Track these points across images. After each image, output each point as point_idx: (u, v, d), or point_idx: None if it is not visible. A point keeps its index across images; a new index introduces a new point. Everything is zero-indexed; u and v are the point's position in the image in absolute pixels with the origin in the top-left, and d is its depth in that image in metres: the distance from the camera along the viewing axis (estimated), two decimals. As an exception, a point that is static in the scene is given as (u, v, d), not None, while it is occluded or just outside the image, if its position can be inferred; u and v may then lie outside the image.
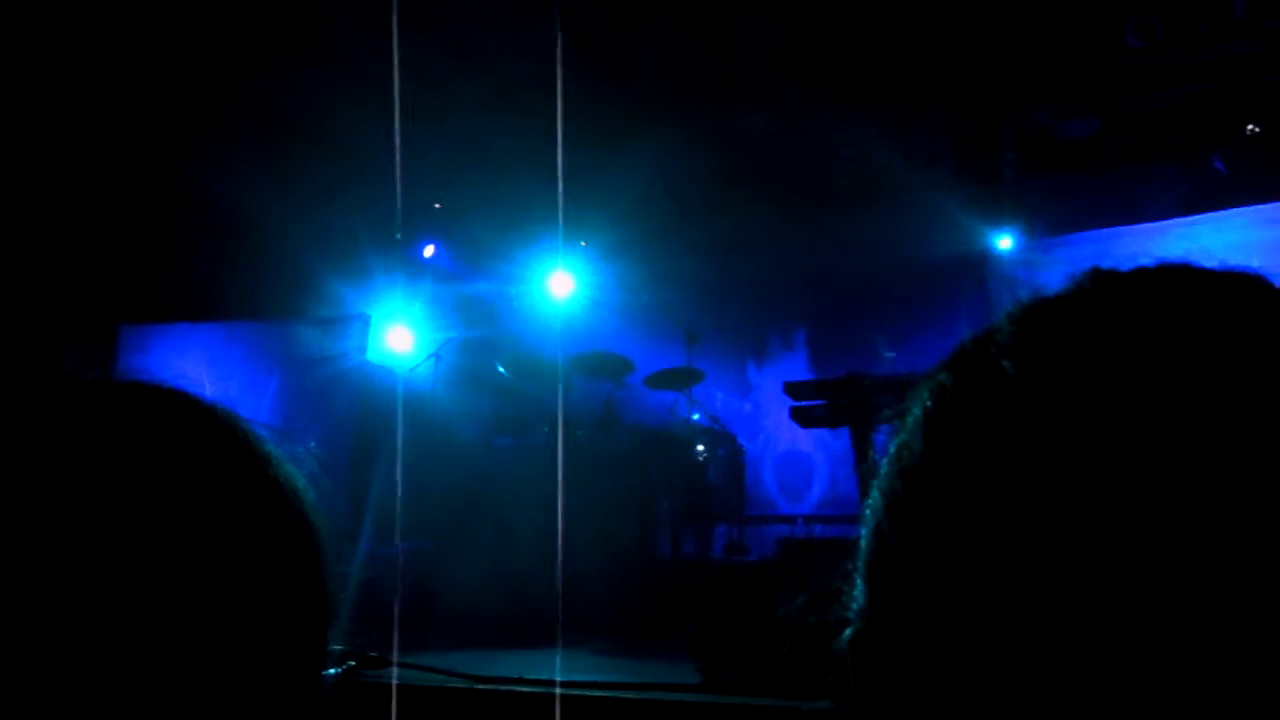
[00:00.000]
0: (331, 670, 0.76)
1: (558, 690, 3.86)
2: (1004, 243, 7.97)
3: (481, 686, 4.21)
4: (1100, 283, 0.58)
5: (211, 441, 0.72)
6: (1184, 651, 0.48)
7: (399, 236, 9.36)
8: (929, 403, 0.59)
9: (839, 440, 7.16)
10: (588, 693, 3.99)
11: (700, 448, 7.12)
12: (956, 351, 0.60)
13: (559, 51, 5.56)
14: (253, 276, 8.78)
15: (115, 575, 0.63)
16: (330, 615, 0.75)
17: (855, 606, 0.61)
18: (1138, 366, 0.51)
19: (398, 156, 8.40)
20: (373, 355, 8.83)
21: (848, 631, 0.61)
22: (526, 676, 4.26)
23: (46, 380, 0.72)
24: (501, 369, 7.52)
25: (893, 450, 0.60)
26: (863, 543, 0.61)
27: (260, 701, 0.69)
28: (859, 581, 0.61)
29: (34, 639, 0.61)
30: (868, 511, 0.61)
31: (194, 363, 7.51)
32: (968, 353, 0.59)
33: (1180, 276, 0.57)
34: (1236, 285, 0.56)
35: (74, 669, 0.62)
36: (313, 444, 0.79)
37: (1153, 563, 0.48)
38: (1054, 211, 7.89)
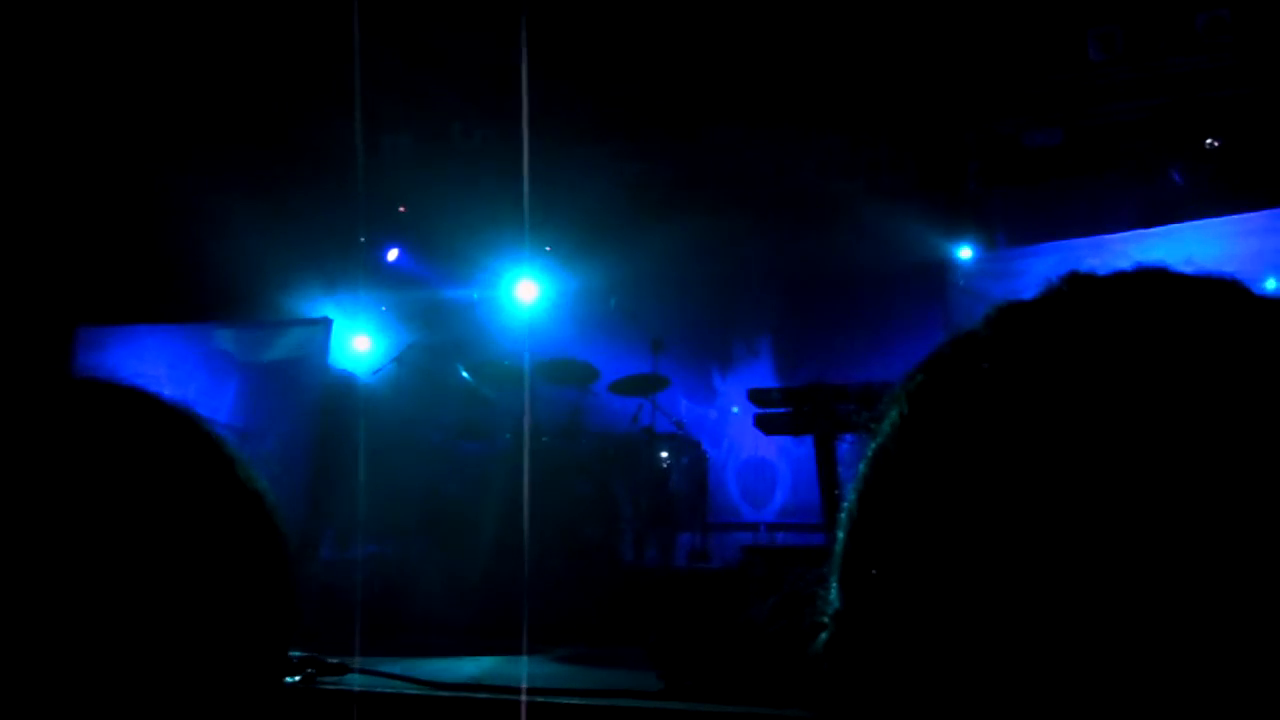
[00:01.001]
0: (291, 677, 0.75)
1: (522, 698, 3.85)
2: (964, 253, 8.03)
3: (443, 694, 4.19)
4: (1078, 286, 0.58)
5: (178, 441, 0.71)
6: (1160, 652, 0.48)
7: (362, 240, 9.31)
8: (906, 405, 0.58)
9: (802, 447, 7.19)
10: (550, 699, 3.98)
11: (664, 454, 7.13)
12: (934, 354, 0.60)
13: (524, 56, 5.56)
14: (213, 279, 8.70)
15: (77, 574, 0.63)
16: (293, 621, 0.75)
17: (829, 610, 0.61)
18: (1115, 368, 0.52)
19: (360, 159, 8.36)
20: (334, 359, 8.77)
21: (823, 636, 0.60)
22: (489, 683, 4.24)
23: (11, 379, 0.71)
24: (465, 374, 7.49)
25: (870, 453, 0.60)
26: (838, 545, 0.61)
27: (220, 705, 0.68)
28: (833, 584, 0.61)
29: (7, 643, 0.61)
30: (843, 514, 0.61)
31: (152, 365, 7.42)
32: (946, 355, 0.59)
33: (1157, 280, 0.57)
34: (1212, 289, 0.56)
35: (36, 667, 0.61)
36: (272, 448, 0.79)
37: (1123, 563, 0.49)
38: (1015, 222, 7.97)
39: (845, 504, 0.61)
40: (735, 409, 8.53)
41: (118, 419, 0.70)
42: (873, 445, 0.60)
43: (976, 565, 0.51)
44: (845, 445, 6.00)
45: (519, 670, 4.72)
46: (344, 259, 9.30)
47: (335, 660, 4.44)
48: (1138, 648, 0.48)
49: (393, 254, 9.25)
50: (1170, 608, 0.48)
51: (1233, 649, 0.48)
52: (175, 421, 0.72)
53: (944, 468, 0.54)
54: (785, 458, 8.31)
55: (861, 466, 0.60)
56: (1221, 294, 0.56)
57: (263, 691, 0.71)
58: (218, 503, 0.70)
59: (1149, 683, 0.48)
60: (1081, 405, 0.51)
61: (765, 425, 6.08)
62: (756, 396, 6.15)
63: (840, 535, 0.61)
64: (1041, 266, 7.39)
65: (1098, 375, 0.51)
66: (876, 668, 0.56)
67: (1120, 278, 0.57)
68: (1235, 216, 6.77)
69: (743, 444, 8.46)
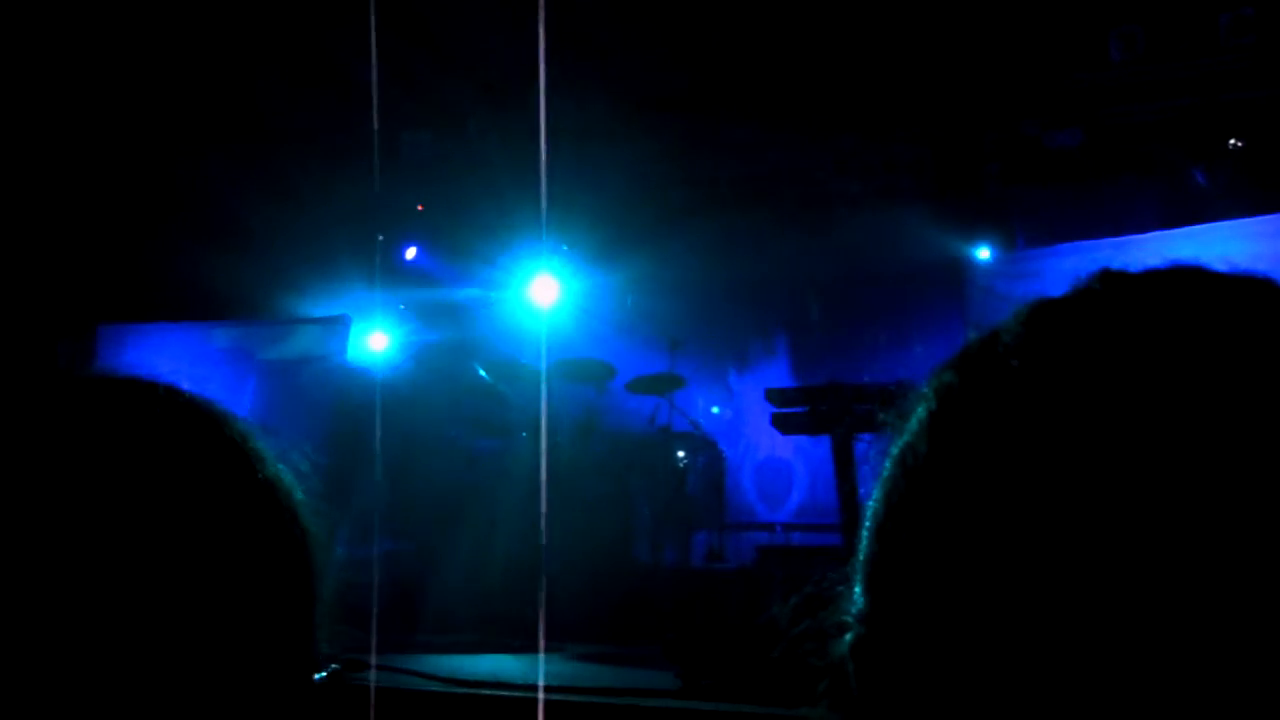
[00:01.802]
0: (319, 674, 0.75)
1: (540, 695, 3.85)
2: (983, 253, 8.00)
3: (461, 691, 4.20)
4: (1110, 283, 0.57)
5: (203, 437, 0.71)
6: (1188, 653, 0.48)
7: (380, 238, 9.33)
8: (934, 403, 0.58)
9: (819, 447, 7.17)
10: (568, 698, 3.98)
11: (681, 454, 7.12)
12: (961, 351, 0.59)
13: (542, 54, 5.56)
14: (232, 277, 8.73)
15: (106, 571, 0.63)
16: (320, 617, 0.75)
17: (854, 610, 0.60)
18: (1147, 367, 0.51)
19: (378, 158, 8.38)
20: (352, 357, 8.79)
21: (848, 636, 0.60)
22: (506, 681, 4.25)
23: (39, 375, 0.71)
24: (482, 373, 7.50)
25: (896, 451, 0.59)
26: (863, 545, 0.60)
27: (252, 703, 0.68)
28: (857, 585, 0.60)
29: (26, 636, 0.61)
30: (869, 513, 0.60)
31: (172, 362, 7.46)
32: (973, 352, 0.58)
33: (1191, 278, 0.56)
34: (1247, 288, 0.55)
35: (65, 663, 0.61)
36: (289, 444, 0.79)
37: (1161, 566, 0.48)
38: (1035, 223, 7.93)
39: (869, 504, 0.60)
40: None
41: (142, 413, 0.70)
42: (898, 443, 0.59)
43: (1006, 569, 0.51)
44: (863, 445, 5.98)
45: (536, 668, 4.73)
46: (362, 257, 9.32)
47: (353, 657, 4.45)
48: (1172, 657, 0.48)
49: (411, 252, 9.27)
50: (1207, 612, 0.47)
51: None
52: (200, 417, 0.72)
53: (974, 468, 0.53)
54: (802, 457, 8.29)
55: (886, 465, 0.59)
56: (1255, 292, 0.55)
57: (293, 687, 0.71)
58: (245, 499, 0.70)
59: (1182, 689, 0.48)
60: (1116, 405, 0.50)
61: (782, 425, 6.07)
62: (774, 396, 6.14)
63: (864, 535, 0.60)
64: (1062, 267, 7.35)
65: (1132, 374, 0.51)
66: (903, 670, 0.55)
67: (1154, 275, 0.56)
68: (1258, 218, 6.72)
69: (759, 444, 8.44)
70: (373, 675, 4.34)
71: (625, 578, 6.33)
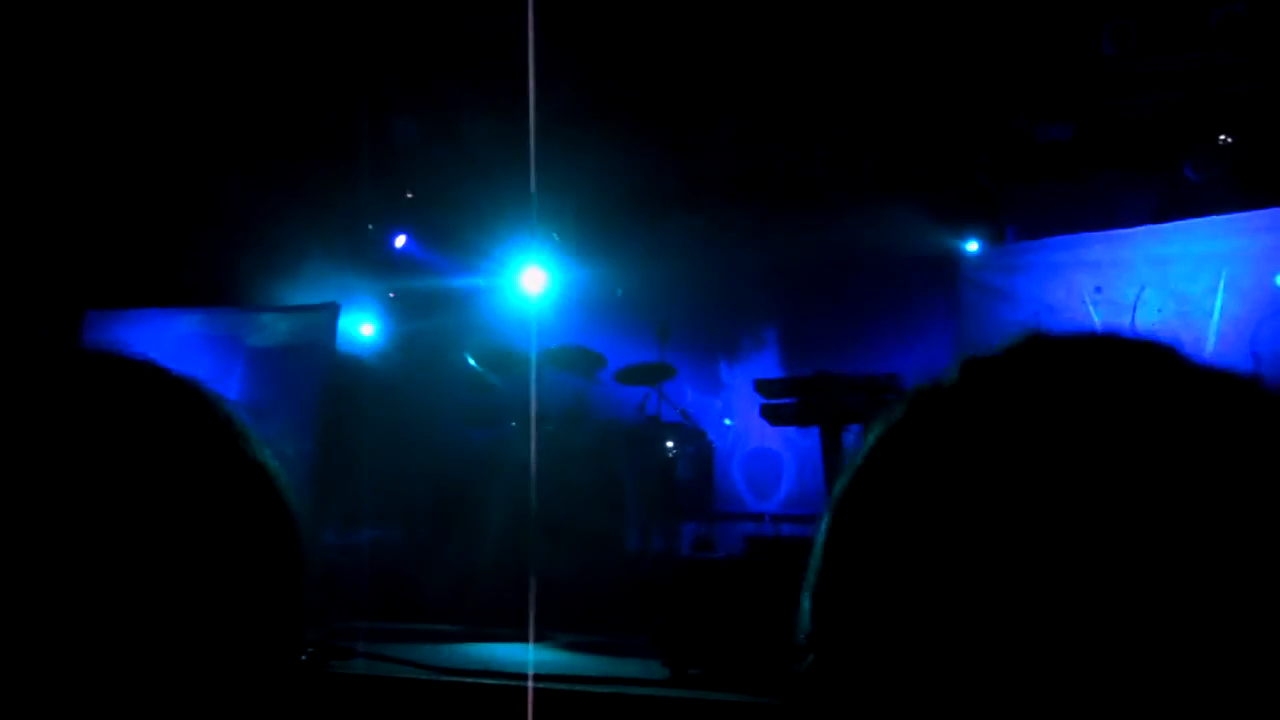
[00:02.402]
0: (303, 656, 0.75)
1: (529, 684, 3.85)
2: (972, 246, 8.01)
3: (450, 679, 4.20)
4: (1036, 345, 0.65)
5: (187, 413, 0.71)
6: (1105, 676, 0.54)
7: (370, 226, 9.31)
8: (881, 430, 0.65)
9: (808, 438, 7.18)
10: (556, 686, 3.99)
11: (670, 444, 7.13)
12: (911, 392, 0.66)
13: (531, 43, 5.55)
14: (220, 263, 8.71)
15: (94, 553, 0.62)
16: (307, 602, 0.74)
17: (803, 630, 0.64)
18: (1062, 427, 0.58)
19: (367, 146, 8.36)
20: (341, 344, 8.77)
21: (805, 660, 0.64)
22: (495, 669, 4.25)
23: (32, 351, 0.70)
24: (472, 361, 7.49)
25: (848, 474, 0.65)
26: (812, 563, 0.65)
27: (247, 683, 0.68)
28: (805, 600, 0.65)
29: (12, 621, 0.60)
30: (820, 530, 0.65)
31: (158, 348, 7.40)
32: (920, 391, 0.65)
33: (1106, 345, 0.64)
34: (1151, 356, 0.63)
35: (55, 647, 0.61)
36: (277, 431, 0.78)
37: (1063, 582, 0.55)
38: (1025, 216, 7.94)
39: (822, 521, 0.65)
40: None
41: (125, 389, 0.69)
42: (851, 466, 0.65)
43: (936, 591, 0.57)
44: (851, 436, 5.99)
45: (525, 657, 4.73)
46: (352, 245, 9.30)
47: (341, 645, 4.45)
48: (1089, 680, 0.54)
49: (400, 240, 9.25)
50: (1113, 625, 0.54)
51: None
52: (183, 394, 0.72)
53: (911, 504, 0.59)
54: (791, 448, 8.31)
55: (839, 484, 0.65)
56: (1160, 361, 0.63)
57: (283, 667, 0.71)
58: (227, 475, 0.70)
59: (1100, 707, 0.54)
60: (1029, 458, 0.57)
61: (771, 416, 6.08)
62: (763, 387, 6.15)
63: (815, 551, 0.65)
64: (1052, 260, 7.40)
65: (1045, 432, 0.58)
66: (847, 696, 0.60)
67: (1076, 340, 0.65)
68: (1248, 213, 6.74)
69: (748, 434, 8.46)
70: (361, 664, 4.34)
71: (614, 567, 6.34)
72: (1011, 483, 0.57)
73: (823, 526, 0.65)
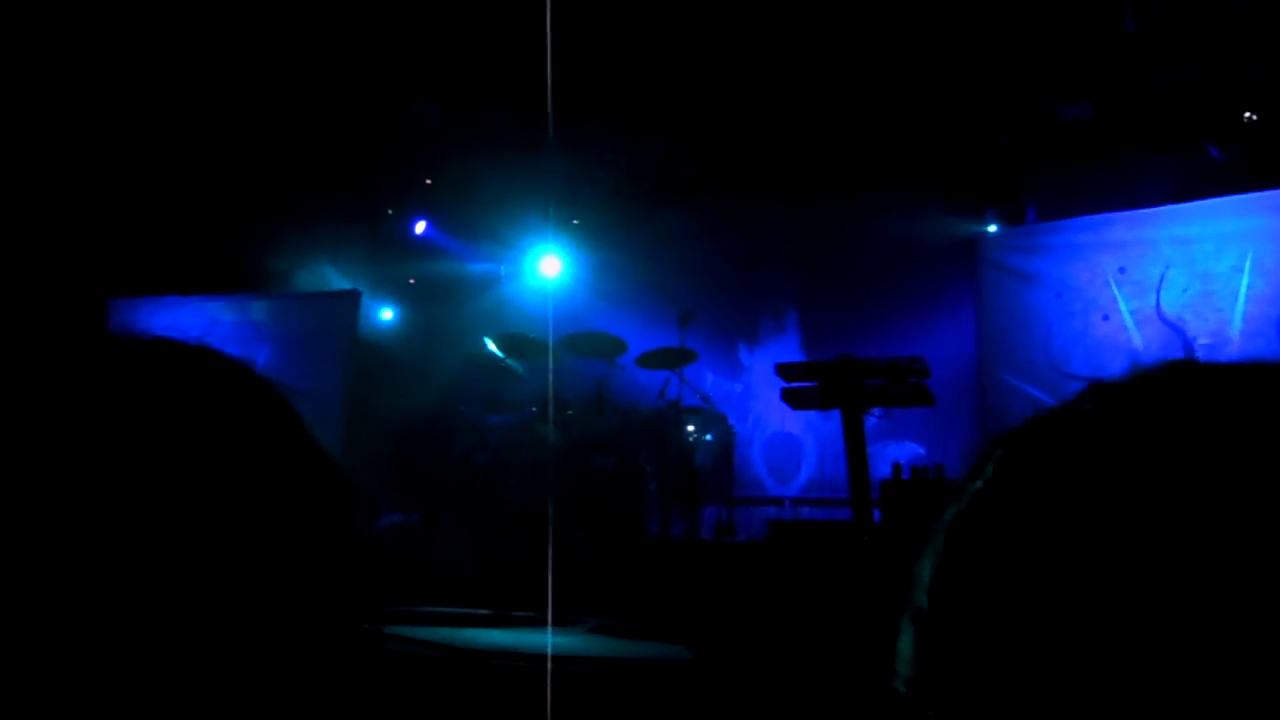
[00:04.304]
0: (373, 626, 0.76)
1: (549, 666, 3.87)
2: (993, 227, 7.96)
3: (473, 661, 4.22)
4: (1176, 371, 0.62)
5: (254, 396, 0.72)
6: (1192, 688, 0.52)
7: (390, 212, 9.33)
8: (1000, 454, 0.62)
9: (829, 422, 7.17)
10: (576, 669, 4.00)
11: (690, 428, 7.12)
12: (1018, 430, 0.63)
13: (549, 29, 5.53)
14: (243, 250, 8.75)
15: (165, 530, 0.63)
16: (368, 572, 0.75)
17: (903, 660, 0.62)
18: (1217, 454, 0.56)
19: (388, 132, 8.36)
20: (363, 330, 8.81)
21: (912, 694, 0.61)
22: (516, 651, 4.27)
23: (93, 338, 0.71)
24: (492, 347, 7.51)
25: (958, 501, 0.62)
26: (916, 593, 0.62)
27: (323, 660, 0.68)
28: (906, 637, 0.62)
29: (93, 590, 0.61)
30: (925, 559, 0.63)
31: (184, 336, 7.48)
32: (1047, 418, 0.62)
33: (1256, 374, 0.60)
34: (1244, 379, 0.60)
35: (130, 618, 0.61)
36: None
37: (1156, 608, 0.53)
38: (1047, 196, 7.88)
39: (930, 545, 0.62)
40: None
41: (196, 374, 0.70)
42: (968, 491, 0.62)
43: (1087, 649, 0.54)
44: (873, 420, 5.97)
45: (545, 640, 4.75)
46: (372, 231, 9.32)
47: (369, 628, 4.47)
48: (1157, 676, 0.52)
49: (420, 226, 9.27)
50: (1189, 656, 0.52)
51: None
52: (246, 378, 0.73)
53: (1057, 533, 0.56)
54: (811, 432, 8.30)
55: (952, 509, 0.62)
56: (1256, 382, 0.59)
57: (351, 641, 0.72)
58: (296, 456, 0.71)
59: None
60: (1188, 489, 0.55)
61: (793, 400, 6.06)
62: (784, 371, 6.13)
63: (921, 578, 0.62)
64: (1074, 241, 7.34)
65: (1206, 464, 0.55)
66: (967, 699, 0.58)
67: (1225, 368, 0.61)
68: (1272, 191, 6.68)
69: (769, 418, 8.45)
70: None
71: (634, 551, 6.35)
72: (1175, 514, 0.54)
73: (930, 552, 0.62)
